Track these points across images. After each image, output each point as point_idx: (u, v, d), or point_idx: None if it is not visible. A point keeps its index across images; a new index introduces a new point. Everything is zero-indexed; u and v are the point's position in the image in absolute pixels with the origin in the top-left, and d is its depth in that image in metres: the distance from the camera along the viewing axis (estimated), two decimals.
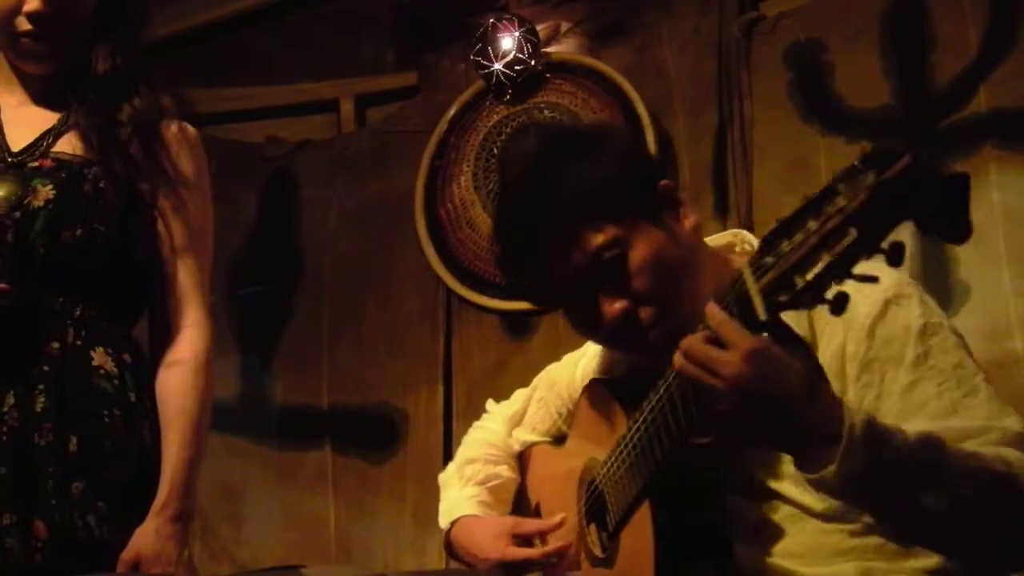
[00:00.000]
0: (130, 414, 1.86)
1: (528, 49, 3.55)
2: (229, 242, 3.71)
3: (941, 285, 2.92)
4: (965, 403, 1.44)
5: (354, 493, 3.74)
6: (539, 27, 3.60)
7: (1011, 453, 1.39)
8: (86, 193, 1.86)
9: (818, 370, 1.33)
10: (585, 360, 1.89)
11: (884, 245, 1.11)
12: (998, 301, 2.89)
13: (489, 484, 1.97)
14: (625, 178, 1.59)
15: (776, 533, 1.53)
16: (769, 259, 1.21)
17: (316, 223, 3.93)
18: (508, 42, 3.55)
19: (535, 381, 2.02)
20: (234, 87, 4.00)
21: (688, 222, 1.62)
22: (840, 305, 1.15)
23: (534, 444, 1.99)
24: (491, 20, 3.57)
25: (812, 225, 1.15)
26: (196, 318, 1.93)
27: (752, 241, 1.68)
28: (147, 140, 1.92)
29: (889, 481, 1.31)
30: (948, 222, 1.10)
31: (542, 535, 1.81)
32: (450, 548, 1.95)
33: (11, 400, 1.79)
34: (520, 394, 2.05)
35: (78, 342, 1.85)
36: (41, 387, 1.80)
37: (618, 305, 1.55)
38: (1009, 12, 2.98)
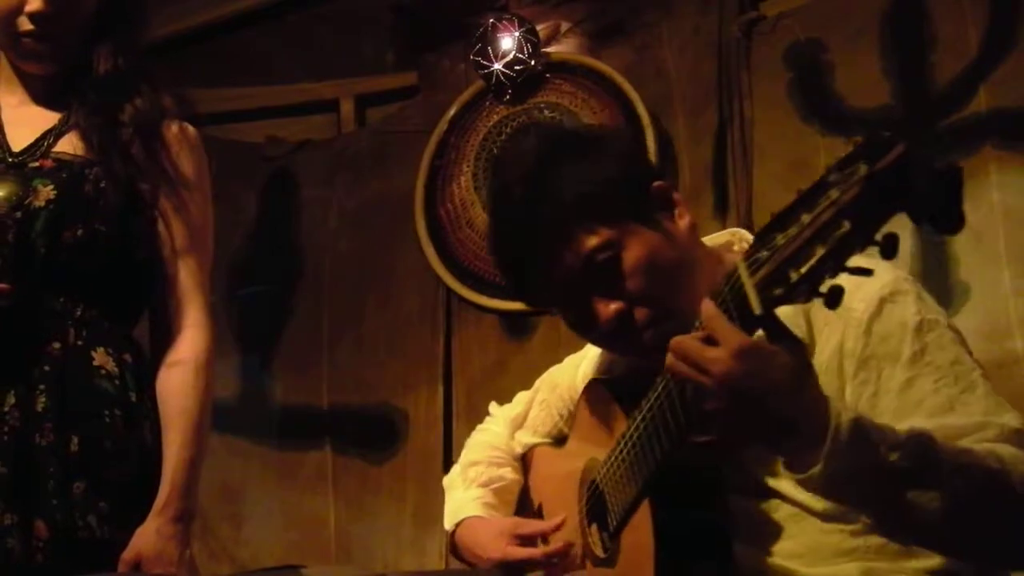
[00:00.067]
0: (131, 414, 1.86)
1: (528, 49, 3.56)
2: (229, 242, 3.71)
3: (941, 285, 2.92)
4: (962, 399, 1.44)
5: (354, 493, 3.74)
6: (539, 27, 3.60)
7: (1006, 450, 1.38)
8: (87, 193, 1.86)
9: (808, 368, 1.32)
10: (586, 362, 1.89)
11: (878, 237, 1.10)
12: (998, 301, 2.89)
13: (493, 486, 1.97)
14: (619, 180, 1.59)
15: (777, 533, 1.53)
16: (764, 253, 1.20)
17: (316, 223, 3.93)
18: (508, 42, 3.55)
19: (537, 383, 2.02)
20: (234, 87, 4.00)
21: (683, 222, 1.62)
22: (835, 299, 1.15)
23: (536, 445, 2.00)
24: (491, 20, 3.57)
25: (806, 218, 1.14)
26: (197, 318, 1.93)
27: (750, 239, 1.68)
28: (148, 140, 1.92)
29: (878, 480, 1.31)
30: (941, 213, 1.09)
31: (544, 535, 1.81)
32: (455, 549, 1.95)
33: (12, 400, 1.79)
34: (522, 396, 2.05)
35: (79, 342, 1.85)
36: (42, 387, 1.80)
37: (613, 307, 1.55)
38: (1009, 12, 2.99)
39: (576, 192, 1.56)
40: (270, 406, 3.87)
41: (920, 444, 1.32)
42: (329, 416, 3.80)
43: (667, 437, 1.42)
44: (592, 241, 1.55)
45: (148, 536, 1.77)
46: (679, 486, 1.49)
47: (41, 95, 1.97)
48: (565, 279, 1.57)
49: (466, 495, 1.96)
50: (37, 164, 1.88)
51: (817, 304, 1.17)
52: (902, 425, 1.40)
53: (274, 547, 3.77)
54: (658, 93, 3.48)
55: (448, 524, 1.95)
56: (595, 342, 1.74)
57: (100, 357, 1.86)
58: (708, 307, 1.30)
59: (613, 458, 1.58)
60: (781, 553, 1.52)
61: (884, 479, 1.31)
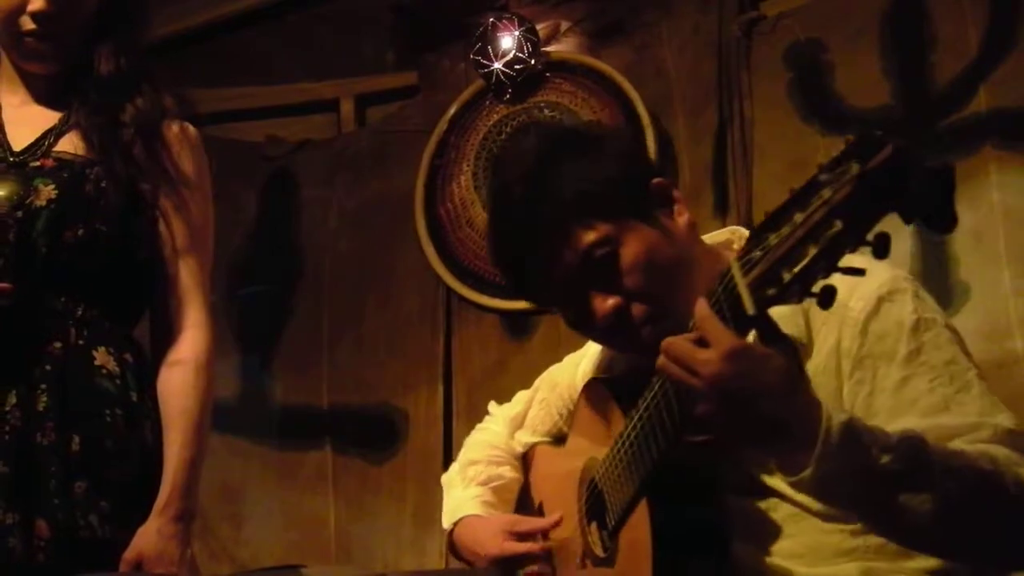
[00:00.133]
0: (132, 414, 1.86)
1: (528, 48, 3.56)
2: (229, 242, 3.71)
3: (941, 285, 2.92)
4: (957, 399, 1.43)
5: (354, 493, 3.73)
6: (539, 26, 3.60)
7: (999, 451, 1.38)
8: (88, 193, 1.87)
9: (800, 371, 1.32)
10: (586, 361, 1.89)
11: (870, 237, 1.10)
12: (998, 301, 2.89)
13: (492, 484, 1.97)
14: (618, 177, 1.59)
15: (776, 532, 1.52)
16: (757, 253, 1.20)
17: (316, 223, 3.93)
18: (508, 41, 3.55)
19: (537, 382, 2.03)
20: (234, 87, 4.00)
21: (682, 219, 1.62)
22: (828, 299, 1.15)
23: (536, 444, 2.00)
24: (491, 19, 3.57)
25: (798, 217, 1.14)
26: (197, 318, 1.93)
27: None
28: (149, 140, 1.92)
29: (869, 483, 1.30)
30: (933, 212, 1.09)
31: (541, 533, 1.81)
32: (453, 548, 1.95)
33: (13, 400, 1.79)
34: (522, 396, 2.05)
35: (80, 342, 1.85)
36: (43, 387, 1.81)
37: (610, 303, 1.55)
38: (1009, 12, 2.99)
39: (575, 189, 1.56)
40: (270, 406, 3.87)
41: (912, 447, 1.32)
42: (329, 416, 3.80)
43: (663, 437, 1.41)
44: (590, 237, 1.55)
45: (149, 536, 1.78)
46: (677, 485, 1.49)
47: (42, 94, 1.97)
48: (564, 276, 1.57)
49: (465, 494, 1.96)
50: (38, 163, 1.89)
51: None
52: (897, 424, 1.41)
53: (274, 547, 3.77)
54: (658, 93, 3.48)
55: (447, 523, 1.95)
56: (595, 339, 1.74)
57: (101, 357, 1.86)
58: (701, 308, 1.30)
59: (611, 457, 1.58)
60: (780, 553, 1.52)
61: (875, 482, 1.30)
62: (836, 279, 1.14)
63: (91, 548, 1.77)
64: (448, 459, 3.44)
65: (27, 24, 1.90)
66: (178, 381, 1.88)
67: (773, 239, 1.18)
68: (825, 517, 1.48)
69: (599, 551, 1.65)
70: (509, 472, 1.99)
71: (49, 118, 1.94)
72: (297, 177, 3.98)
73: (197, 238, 1.96)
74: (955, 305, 2.91)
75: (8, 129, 1.93)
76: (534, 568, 1.80)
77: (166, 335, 1.92)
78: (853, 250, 1.12)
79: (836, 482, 1.29)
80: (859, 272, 1.15)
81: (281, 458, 3.83)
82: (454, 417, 3.62)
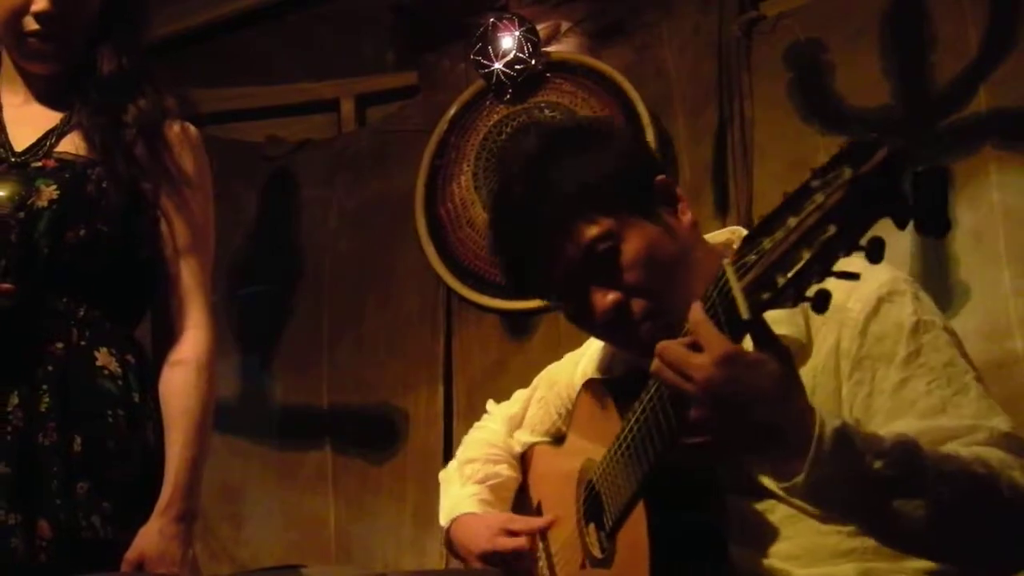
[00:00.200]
0: (134, 414, 1.86)
1: (528, 49, 3.56)
2: (229, 242, 3.71)
3: (941, 285, 2.92)
4: (954, 401, 1.43)
5: (354, 493, 3.74)
6: (539, 27, 3.60)
7: (994, 454, 1.38)
8: (89, 193, 1.86)
9: (794, 376, 1.31)
10: (585, 360, 1.89)
11: (863, 242, 1.10)
12: (998, 301, 2.89)
13: (489, 483, 1.97)
14: (623, 173, 1.59)
15: (774, 534, 1.52)
16: (751, 257, 1.20)
17: (316, 223, 3.93)
18: (508, 42, 3.56)
19: (535, 381, 2.02)
20: (234, 87, 4.00)
21: (685, 218, 1.62)
22: (822, 303, 1.14)
23: (535, 444, 2.00)
24: (491, 20, 3.57)
25: (792, 222, 1.14)
26: (199, 318, 1.93)
27: None
28: (151, 140, 1.92)
29: (862, 489, 1.30)
30: (926, 216, 1.09)
31: (535, 532, 1.81)
32: (449, 545, 1.95)
33: (15, 400, 1.79)
34: (520, 395, 2.05)
35: (82, 342, 1.85)
36: (45, 387, 1.80)
37: (610, 297, 1.55)
38: (1009, 12, 2.99)
39: (578, 183, 1.56)
40: (270, 406, 3.87)
41: (905, 451, 1.32)
42: (329, 416, 3.80)
43: (659, 439, 1.41)
44: (592, 231, 1.55)
45: (151, 536, 1.78)
46: (674, 487, 1.49)
47: (44, 94, 1.97)
48: (565, 270, 1.57)
49: (462, 491, 1.96)
50: (40, 164, 1.89)
51: None
52: (895, 425, 1.41)
53: (274, 547, 3.77)
54: (658, 93, 3.48)
55: (444, 520, 1.95)
56: (595, 334, 1.73)
57: (103, 357, 1.86)
58: (695, 312, 1.30)
59: (609, 459, 1.57)
60: (778, 554, 1.52)
61: (869, 487, 1.30)
62: (833, 281, 1.14)
63: (93, 548, 1.77)
64: (448, 459, 3.41)
65: (30, 24, 1.90)
66: (180, 381, 1.88)
67: (767, 243, 1.18)
68: (822, 518, 1.48)
69: (596, 552, 1.65)
70: (507, 471, 1.99)
71: (50, 118, 1.94)
72: (297, 177, 3.98)
73: (198, 238, 1.96)
74: (955, 305, 2.91)
75: (10, 129, 1.93)
76: (517, 565, 1.80)
77: (168, 335, 1.92)
78: (847, 254, 1.11)
79: (829, 488, 1.29)
80: (853, 276, 1.15)
81: (281, 458, 3.83)
82: (454, 417, 3.62)
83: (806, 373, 1.44)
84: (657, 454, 1.43)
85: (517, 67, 3.57)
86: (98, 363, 1.85)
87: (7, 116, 1.95)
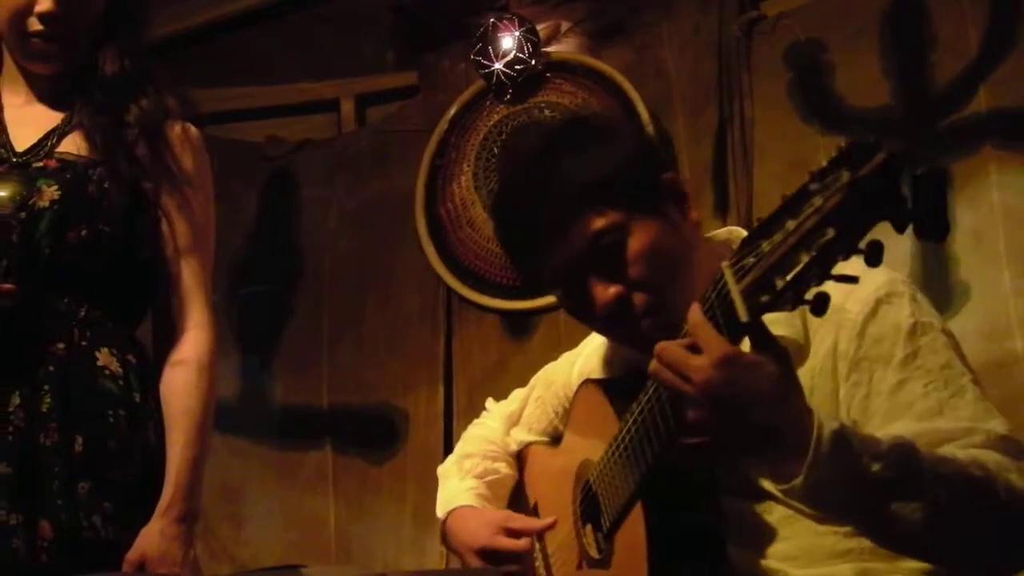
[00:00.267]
0: (135, 414, 1.86)
1: (528, 49, 3.56)
2: (229, 242, 3.71)
3: (941, 285, 2.92)
4: (951, 404, 1.43)
5: (354, 493, 3.74)
6: (539, 27, 3.60)
7: (990, 456, 1.38)
8: (91, 194, 1.87)
9: (792, 378, 1.31)
10: (582, 359, 1.89)
11: (862, 245, 1.10)
12: (998, 301, 2.89)
13: (487, 478, 1.97)
14: (632, 167, 1.59)
15: (771, 534, 1.52)
16: (750, 260, 1.20)
17: (316, 223, 3.93)
18: (508, 42, 3.56)
19: (533, 380, 2.03)
20: (234, 87, 4.00)
21: (691, 217, 1.63)
22: (821, 306, 1.15)
23: (531, 444, 2.00)
24: (491, 20, 3.57)
25: (791, 225, 1.14)
26: (200, 319, 1.93)
27: None
28: (152, 141, 1.92)
29: (860, 491, 1.30)
30: (924, 220, 1.09)
31: (532, 533, 1.81)
32: (444, 537, 1.95)
33: (17, 400, 1.79)
34: (518, 394, 2.05)
35: (83, 343, 1.86)
36: (47, 387, 1.81)
37: (612, 291, 1.55)
38: (1009, 12, 2.99)
39: (589, 174, 1.56)
40: (270, 406, 3.87)
41: (902, 454, 1.32)
42: (329, 416, 3.80)
43: (657, 439, 1.41)
44: (600, 223, 1.55)
45: (152, 537, 1.78)
46: (672, 488, 1.49)
47: (45, 95, 1.97)
48: (568, 257, 1.56)
49: (460, 485, 1.95)
50: (41, 164, 1.89)
51: None
52: (892, 427, 1.41)
53: (274, 547, 3.77)
54: (658, 93, 3.48)
55: (440, 512, 1.95)
56: (594, 327, 1.73)
57: (104, 357, 1.86)
58: (695, 314, 1.30)
59: (606, 459, 1.58)
60: (775, 555, 1.52)
61: (866, 490, 1.30)
62: (832, 284, 1.14)
63: (94, 549, 1.77)
64: None
65: (34, 25, 1.89)
66: (181, 381, 1.89)
67: (766, 246, 1.18)
68: (819, 519, 1.48)
69: (594, 553, 1.65)
70: (504, 468, 1.99)
71: (52, 118, 1.95)
72: (297, 177, 3.98)
73: (199, 238, 1.96)
74: (955, 305, 2.91)
75: (11, 129, 1.93)
76: (514, 567, 1.79)
77: (169, 335, 1.93)
78: (846, 258, 1.11)
79: (827, 490, 1.29)
80: (852, 280, 1.15)
81: (281, 458, 3.83)
82: (454, 417, 3.61)
83: (803, 374, 1.44)
84: (655, 455, 1.43)
85: (517, 67, 3.57)
86: (99, 363, 1.85)
87: (8, 116, 1.95)
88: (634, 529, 1.51)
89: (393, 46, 3.96)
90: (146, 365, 1.93)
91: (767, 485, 1.50)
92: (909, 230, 1.10)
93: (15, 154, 1.90)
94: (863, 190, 1.08)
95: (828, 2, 3.31)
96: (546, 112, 3.59)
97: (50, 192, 1.85)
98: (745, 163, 3.30)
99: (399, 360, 3.74)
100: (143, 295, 1.97)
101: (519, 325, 3.59)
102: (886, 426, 1.42)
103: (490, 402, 2.12)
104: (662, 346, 1.32)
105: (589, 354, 1.87)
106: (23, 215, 1.83)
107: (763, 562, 1.52)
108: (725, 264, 1.25)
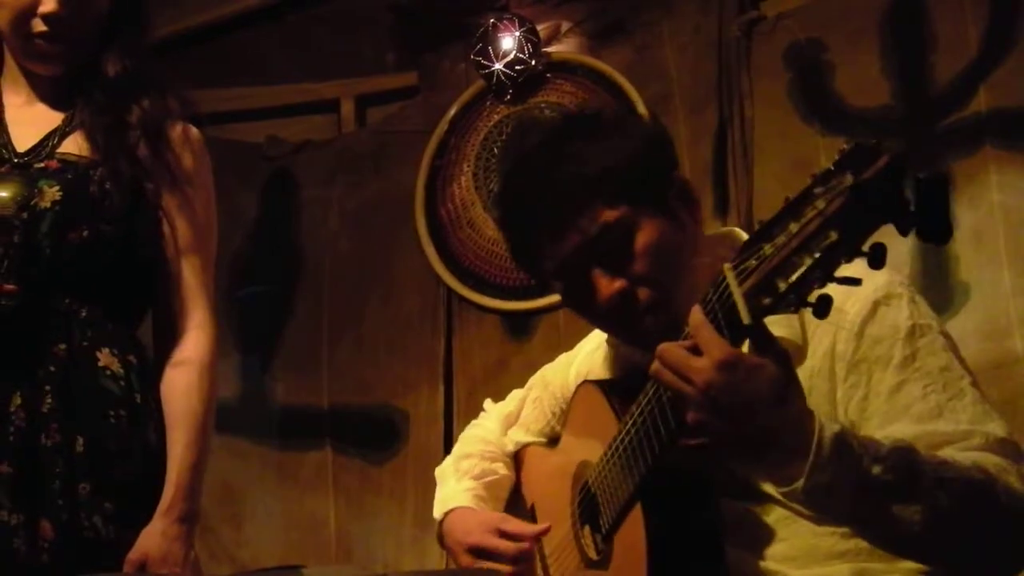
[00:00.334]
0: (136, 415, 1.86)
1: (528, 49, 3.56)
2: (229, 242, 3.69)
3: (941, 285, 2.92)
4: (950, 406, 1.43)
5: (354, 493, 3.74)
6: (539, 27, 3.60)
7: (990, 459, 1.38)
8: (92, 194, 1.86)
9: (793, 381, 1.31)
10: (579, 360, 1.89)
11: (865, 248, 1.10)
12: (998, 301, 2.90)
13: (485, 479, 1.97)
14: (646, 162, 1.59)
15: (769, 535, 1.52)
16: (752, 262, 1.20)
17: (316, 223, 3.93)
18: (508, 42, 3.56)
19: (530, 381, 2.02)
20: (234, 87, 4.00)
21: (698, 217, 1.63)
22: (823, 308, 1.15)
23: (528, 445, 1.99)
24: (491, 20, 3.57)
25: (793, 227, 1.14)
26: (201, 319, 1.93)
27: (744, 239, 1.68)
28: (154, 141, 1.92)
29: (860, 495, 1.30)
30: (928, 223, 1.09)
31: (528, 537, 1.80)
32: (441, 537, 1.94)
33: (18, 401, 1.79)
34: (515, 394, 2.05)
35: (84, 343, 1.85)
36: (48, 388, 1.81)
37: (616, 285, 1.55)
38: (1009, 12, 2.99)
39: (604, 164, 1.56)
40: (270, 406, 3.87)
41: (903, 457, 1.32)
42: (329, 416, 3.81)
43: (657, 441, 1.41)
44: (611, 215, 1.54)
45: (153, 537, 1.78)
46: (671, 489, 1.49)
47: (47, 95, 1.97)
48: (575, 248, 1.56)
49: (458, 486, 1.95)
50: (42, 165, 1.88)
51: None
52: (890, 429, 1.41)
53: (274, 547, 3.77)
54: (658, 93, 3.48)
55: (438, 513, 1.95)
56: (595, 321, 1.71)
57: (105, 358, 1.86)
58: (696, 316, 1.30)
59: (605, 460, 1.57)
60: (774, 556, 1.52)
61: (867, 492, 1.30)
62: (833, 286, 1.15)
63: (95, 549, 1.77)
64: None
65: (38, 26, 1.89)
66: (182, 382, 1.88)
67: (768, 248, 1.18)
68: (817, 520, 1.48)
69: (592, 554, 1.65)
70: (502, 469, 1.99)
71: (52, 119, 1.94)
72: (297, 177, 3.98)
73: (200, 238, 1.96)
74: (955, 305, 2.91)
75: (11, 130, 1.93)
76: (505, 568, 1.79)
77: (170, 335, 1.93)
78: (849, 260, 1.12)
79: (828, 493, 1.29)
80: (855, 282, 1.15)
81: (281, 458, 3.83)
82: (454, 417, 3.62)
83: (801, 375, 1.43)
84: (655, 456, 1.43)
85: (517, 67, 3.57)
86: (100, 364, 1.85)
87: (9, 116, 1.95)
88: (633, 530, 1.51)
89: (393, 46, 3.96)
90: (147, 365, 1.92)
91: (765, 486, 1.50)
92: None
93: (16, 155, 1.90)
94: (867, 193, 1.08)
95: (828, 2, 3.31)
96: (547, 112, 3.59)
97: (51, 193, 1.85)
98: (745, 163, 3.30)
99: (399, 360, 3.74)
100: (144, 295, 1.97)
101: (519, 325, 3.59)
102: (885, 428, 1.42)
103: (488, 403, 2.12)
104: (663, 347, 1.32)
105: (587, 355, 1.87)
106: (25, 216, 1.83)
107: (761, 563, 1.52)
108: (727, 266, 1.25)
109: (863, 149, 1.10)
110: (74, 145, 1.91)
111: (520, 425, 2.01)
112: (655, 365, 1.33)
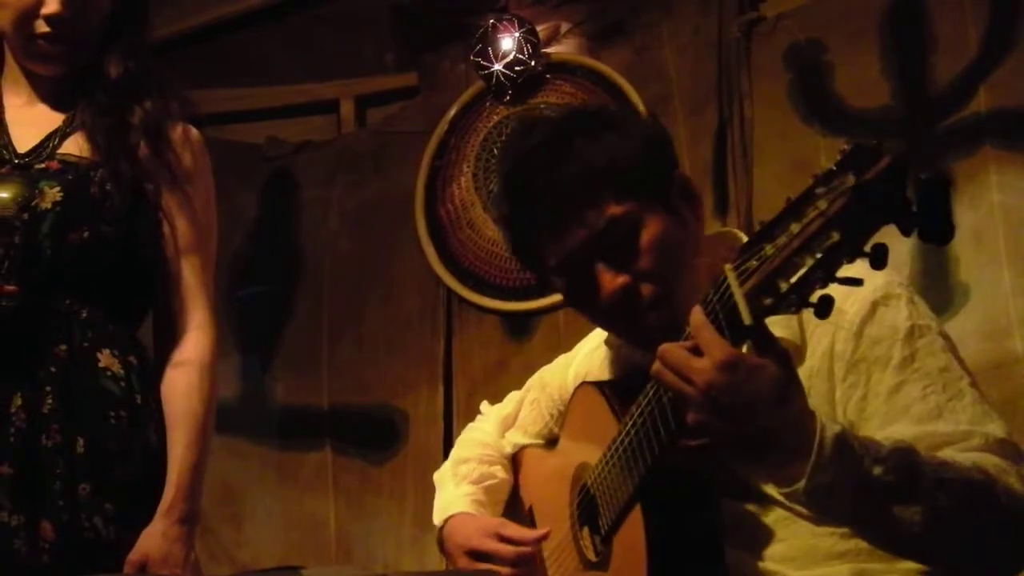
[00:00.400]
0: (136, 415, 1.86)
1: (528, 50, 3.56)
2: (229, 242, 3.70)
3: (941, 285, 2.92)
4: (950, 407, 1.44)
5: (354, 493, 3.74)
6: (539, 28, 3.60)
7: (990, 460, 1.38)
8: (93, 195, 1.86)
9: (794, 381, 1.31)
10: (578, 361, 1.89)
11: (867, 248, 1.10)
12: (998, 301, 2.90)
13: (484, 484, 1.96)
14: (650, 159, 1.59)
15: (769, 536, 1.52)
16: (753, 262, 1.20)
17: (316, 223, 3.94)
18: (508, 43, 3.56)
19: (528, 383, 2.02)
20: (234, 87, 4.01)
21: (700, 216, 1.63)
22: (825, 308, 1.15)
23: (526, 447, 1.99)
24: (491, 21, 3.57)
25: (795, 228, 1.14)
26: (201, 319, 1.93)
27: (744, 239, 1.68)
28: (155, 142, 1.92)
29: (861, 495, 1.30)
30: (929, 223, 1.09)
31: (526, 542, 1.80)
32: (441, 545, 1.95)
33: (18, 401, 1.79)
34: (513, 396, 2.05)
35: (85, 344, 1.85)
36: (48, 389, 1.81)
37: (620, 280, 1.55)
38: (1009, 12, 2.99)
39: (610, 158, 1.55)
40: (270, 406, 3.87)
41: (903, 458, 1.32)
42: (329, 416, 3.81)
43: (657, 442, 1.41)
44: (616, 209, 1.54)
45: (154, 538, 1.78)
46: (671, 490, 1.49)
47: (48, 95, 1.97)
48: (579, 242, 1.55)
49: (457, 491, 1.95)
50: (43, 166, 1.88)
51: None
52: (889, 430, 1.41)
53: (274, 547, 3.77)
54: (658, 93, 3.48)
55: (437, 519, 1.95)
56: (596, 318, 1.70)
57: (106, 359, 1.86)
58: (696, 316, 1.29)
59: (604, 462, 1.57)
60: (773, 556, 1.52)
61: (868, 493, 1.30)
62: (834, 286, 1.15)
63: (95, 550, 1.77)
64: None
65: (41, 27, 1.89)
66: (182, 383, 1.88)
67: (769, 249, 1.18)
68: (817, 520, 1.48)
69: (591, 555, 1.65)
70: (500, 472, 1.98)
71: (53, 119, 1.94)
72: (297, 177, 3.99)
73: (200, 238, 1.96)
74: (955, 305, 2.91)
75: (12, 130, 1.93)
76: (503, 571, 1.79)
77: (170, 336, 1.92)
78: (851, 261, 1.12)
79: (829, 493, 1.29)
80: (856, 282, 1.15)
81: (281, 458, 3.83)
82: (454, 417, 3.62)
83: (800, 375, 1.43)
84: (655, 457, 1.43)
85: (517, 68, 3.57)
86: (100, 364, 1.85)
87: (9, 117, 1.95)
88: (633, 531, 1.51)
89: (393, 47, 3.97)
90: (147, 366, 1.92)
91: (765, 487, 1.50)
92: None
93: (17, 155, 1.90)
94: (869, 194, 1.08)
95: (828, 2, 3.31)
96: (547, 113, 3.59)
97: (52, 194, 1.85)
98: (745, 163, 3.30)
99: (399, 360, 3.75)
100: (145, 296, 1.97)
101: (519, 326, 3.59)
102: (884, 428, 1.42)
103: (485, 405, 2.12)
104: (664, 347, 1.32)
105: (585, 356, 1.87)
106: (25, 216, 1.83)
107: (761, 564, 1.52)
108: (728, 266, 1.24)
109: (865, 150, 1.10)
110: (75, 146, 1.91)
111: (518, 427, 2.00)
112: (656, 366, 1.33)
